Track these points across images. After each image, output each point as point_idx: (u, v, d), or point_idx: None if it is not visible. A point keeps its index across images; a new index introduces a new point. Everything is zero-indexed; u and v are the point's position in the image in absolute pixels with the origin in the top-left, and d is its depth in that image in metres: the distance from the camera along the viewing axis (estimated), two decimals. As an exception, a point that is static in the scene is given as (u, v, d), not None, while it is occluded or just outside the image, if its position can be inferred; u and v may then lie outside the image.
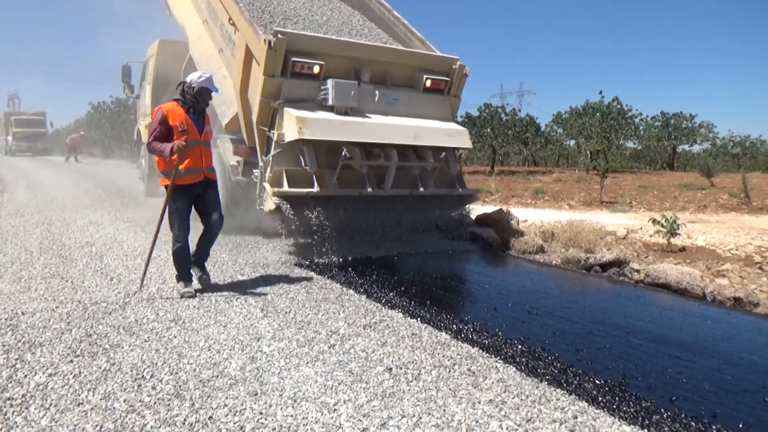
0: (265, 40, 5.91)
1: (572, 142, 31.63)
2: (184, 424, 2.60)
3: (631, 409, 2.92)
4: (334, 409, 2.78)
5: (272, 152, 6.04)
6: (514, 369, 3.39)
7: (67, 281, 4.97)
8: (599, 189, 13.80)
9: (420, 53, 7.27)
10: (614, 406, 2.95)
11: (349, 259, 6.15)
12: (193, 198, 4.69)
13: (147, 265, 4.73)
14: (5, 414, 2.63)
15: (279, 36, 5.93)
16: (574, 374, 3.35)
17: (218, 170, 5.75)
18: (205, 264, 4.97)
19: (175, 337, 3.69)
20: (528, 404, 2.92)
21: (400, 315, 4.36)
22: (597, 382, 3.25)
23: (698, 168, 19.26)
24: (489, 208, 8.57)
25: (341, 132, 6.06)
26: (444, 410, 2.81)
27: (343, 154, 5.98)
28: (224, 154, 7.21)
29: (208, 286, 4.79)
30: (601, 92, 29.51)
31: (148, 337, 3.66)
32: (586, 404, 2.96)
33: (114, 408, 2.72)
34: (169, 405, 2.77)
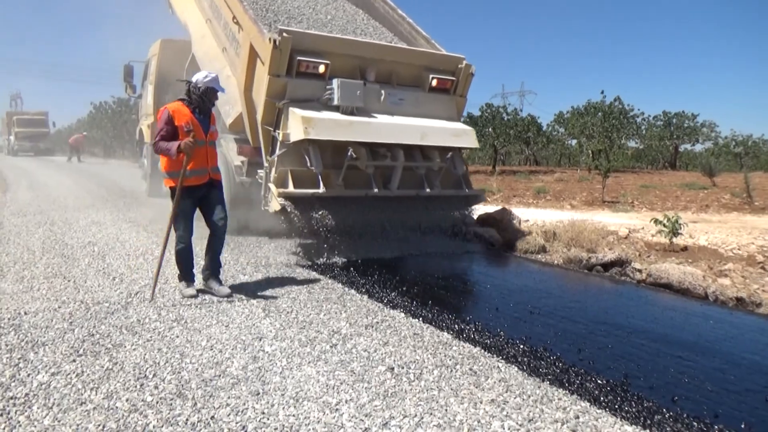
0: (270, 39, 5.87)
1: (574, 142, 31.62)
2: (186, 423, 2.61)
3: (633, 409, 2.92)
4: (336, 409, 2.78)
5: (277, 152, 5.99)
6: (516, 369, 3.39)
7: (69, 281, 4.98)
8: (601, 189, 13.80)
9: (426, 52, 7.22)
10: (616, 406, 2.95)
11: (355, 260, 6.11)
12: (197, 199, 4.63)
13: (157, 275, 4.54)
14: (8, 413, 2.64)
15: (284, 35, 5.88)
16: (576, 374, 3.35)
17: (222, 170, 5.73)
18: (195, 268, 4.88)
19: (178, 336, 3.69)
20: (530, 404, 2.92)
21: (402, 315, 4.36)
22: (599, 381, 3.25)
23: (700, 168, 19.25)
24: (491, 208, 8.57)
25: (347, 132, 6.00)
26: (446, 410, 2.81)
27: (349, 154, 5.93)
28: (228, 154, 7.18)
29: (229, 296, 4.58)
30: (602, 92, 29.61)
31: (151, 337, 3.67)
32: (588, 404, 2.96)
33: (116, 407, 2.73)
34: (171, 404, 2.78)
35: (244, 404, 2.80)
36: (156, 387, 2.96)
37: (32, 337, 3.60)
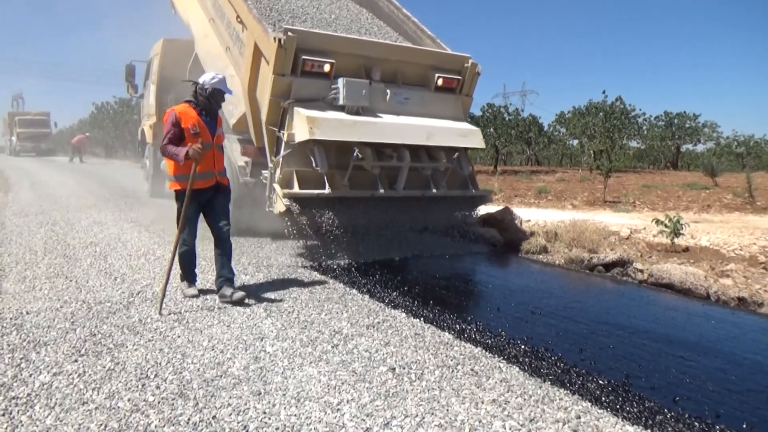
0: (275, 38, 5.81)
1: (575, 142, 31.60)
2: (188, 423, 2.61)
3: (635, 409, 2.92)
4: (338, 409, 2.78)
5: (282, 153, 5.95)
6: (517, 369, 3.39)
7: (71, 281, 4.99)
8: (602, 189, 13.79)
9: (431, 51, 7.18)
10: (618, 406, 2.95)
11: (359, 261, 6.08)
12: (202, 203, 4.57)
13: (165, 287, 4.39)
14: (11, 413, 2.65)
15: (289, 34, 5.83)
16: (578, 374, 3.35)
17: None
18: (198, 269, 4.85)
19: (179, 336, 3.70)
20: (531, 404, 2.92)
21: (403, 315, 4.36)
22: (600, 382, 3.25)
23: (702, 168, 19.22)
24: (492, 208, 8.56)
25: (353, 132, 5.96)
26: (447, 410, 2.81)
27: (354, 154, 5.88)
28: (232, 155, 7.12)
29: (244, 298, 4.46)
30: (604, 92, 29.59)
31: (152, 337, 3.67)
32: (590, 404, 2.96)
33: (118, 407, 2.73)
34: (173, 404, 2.78)
35: (246, 404, 2.80)
36: (158, 387, 2.96)
37: (34, 336, 3.61)
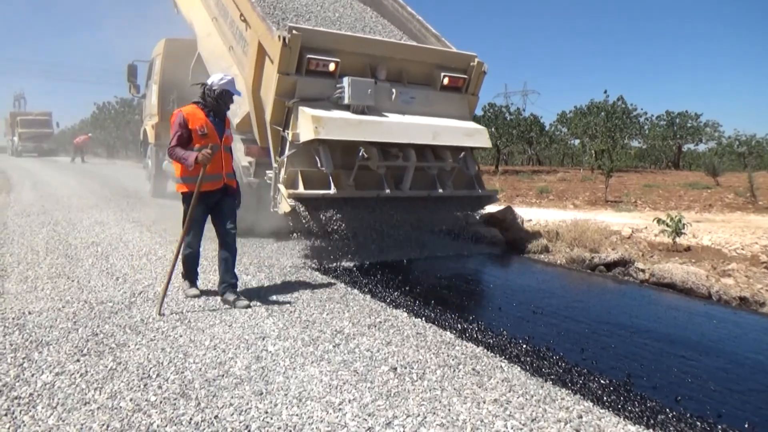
0: (279, 36, 5.76)
1: (577, 142, 31.58)
2: (190, 423, 2.62)
3: (636, 409, 2.92)
4: (339, 409, 2.79)
5: (287, 153, 5.89)
6: (518, 368, 3.39)
7: (73, 281, 4.99)
8: (604, 188, 13.78)
9: (437, 50, 7.13)
10: (619, 406, 2.95)
11: (365, 263, 6.04)
12: (210, 206, 4.50)
13: (166, 288, 4.34)
14: (13, 413, 2.65)
15: (294, 32, 5.77)
16: (579, 374, 3.35)
17: None
18: (199, 268, 4.82)
19: (181, 336, 3.70)
20: (533, 404, 2.92)
21: (405, 314, 4.37)
22: (602, 381, 3.25)
23: (704, 167, 19.20)
24: (494, 208, 8.55)
25: (358, 131, 5.90)
26: (449, 410, 2.81)
27: (360, 154, 5.82)
28: (235, 155, 7.08)
29: (247, 307, 4.35)
30: (605, 91, 29.55)
31: (154, 337, 3.68)
32: (591, 404, 2.96)
33: (120, 407, 2.74)
34: (175, 404, 2.78)
35: (248, 404, 2.80)
36: (160, 387, 2.97)
37: (36, 336, 3.61)
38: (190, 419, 2.64)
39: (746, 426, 2.83)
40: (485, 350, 3.67)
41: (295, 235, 6.17)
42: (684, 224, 7.12)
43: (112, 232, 7.55)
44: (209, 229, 4.74)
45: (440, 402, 2.89)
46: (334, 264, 5.94)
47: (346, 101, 5.99)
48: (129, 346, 3.50)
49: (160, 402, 2.80)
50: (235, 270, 4.63)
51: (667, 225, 7.12)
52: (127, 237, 7.18)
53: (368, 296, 4.84)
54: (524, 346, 3.77)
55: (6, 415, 2.63)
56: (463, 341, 3.82)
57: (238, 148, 7.01)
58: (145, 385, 2.98)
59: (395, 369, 3.29)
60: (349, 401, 2.86)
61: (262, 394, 2.92)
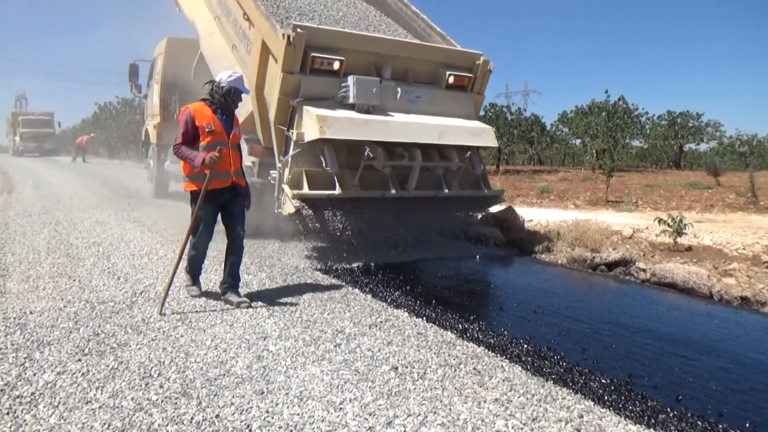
0: (283, 35, 5.70)
1: (578, 142, 31.56)
2: (191, 422, 2.62)
3: (637, 409, 2.92)
4: (340, 408, 2.79)
5: (291, 152, 5.83)
6: (519, 368, 3.39)
7: (74, 280, 5.00)
8: (605, 188, 13.77)
9: (443, 48, 7.06)
10: (620, 406, 2.95)
11: (367, 264, 6.01)
12: (219, 205, 4.42)
13: (168, 288, 4.29)
14: (15, 412, 2.65)
15: (298, 30, 5.70)
16: (580, 373, 3.35)
17: None
18: (203, 268, 4.77)
19: (182, 336, 3.71)
20: (534, 403, 2.92)
21: (406, 314, 4.37)
22: (603, 381, 3.25)
23: (705, 167, 19.18)
24: (494, 208, 8.54)
25: (363, 131, 5.83)
26: (450, 409, 2.81)
27: (365, 154, 5.75)
28: None
29: (249, 307, 4.34)
30: (606, 91, 29.49)
31: (155, 336, 3.68)
32: (592, 403, 2.96)
33: (122, 406, 2.74)
34: (176, 403, 2.79)
35: (249, 403, 2.81)
36: (161, 386, 2.97)
37: (38, 336, 3.62)
38: (192, 418, 2.65)
39: (747, 426, 2.83)
40: (486, 350, 3.67)
41: (300, 235, 6.10)
42: (685, 224, 7.11)
43: (113, 231, 7.56)
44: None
45: (441, 401, 2.89)
46: (338, 265, 5.92)
47: (351, 100, 5.92)
48: (130, 346, 3.50)
49: (162, 401, 2.81)
50: (239, 272, 4.63)
51: (669, 225, 7.11)
52: (128, 237, 7.19)
53: (369, 296, 4.85)
54: (525, 345, 3.77)
55: (8, 414, 2.63)
56: (464, 341, 3.82)
57: (241, 147, 6.98)
58: (146, 384, 2.99)
59: (396, 368, 3.29)
60: (350, 400, 2.87)
61: (263, 393, 2.92)
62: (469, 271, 6.39)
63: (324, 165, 5.75)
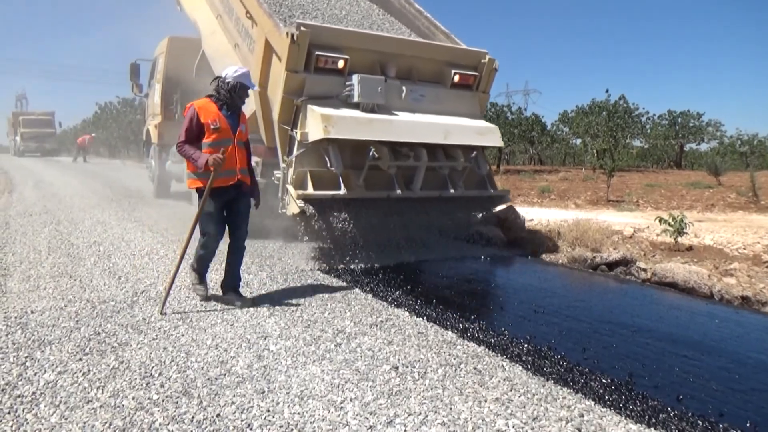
0: (287, 33, 5.63)
1: (578, 141, 31.55)
2: (192, 421, 2.62)
3: (638, 408, 2.92)
4: (341, 407, 2.79)
5: (295, 152, 5.77)
6: (520, 368, 3.39)
7: (75, 280, 5.00)
8: (606, 188, 13.76)
9: (448, 47, 7.00)
10: (621, 405, 2.95)
11: (370, 266, 5.96)
12: (225, 203, 4.35)
13: (170, 287, 4.28)
14: (16, 411, 2.66)
15: (302, 29, 5.62)
16: (581, 373, 3.35)
17: None
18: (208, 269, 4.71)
19: (183, 335, 3.71)
20: (534, 402, 2.92)
21: (406, 314, 4.37)
22: (603, 380, 3.25)
23: (706, 167, 19.19)
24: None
25: (369, 131, 5.74)
26: (450, 408, 2.81)
27: (371, 153, 5.68)
28: None
29: (250, 305, 4.37)
30: (607, 91, 29.46)
31: (156, 336, 3.69)
32: (593, 403, 2.96)
33: (123, 405, 2.75)
34: (177, 402, 2.79)
35: (250, 402, 2.81)
36: (162, 385, 2.97)
37: (39, 335, 3.62)
38: (192, 417, 2.65)
39: (748, 425, 2.83)
40: (487, 349, 3.67)
41: (303, 236, 6.04)
42: (686, 224, 7.11)
43: (114, 231, 7.57)
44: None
45: (442, 401, 2.89)
46: (339, 264, 5.90)
47: (355, 99, 5.85)
48: (131, 345, 3.51)
49: (162, 400, 2.81)
50: (240, 272, 4.62)
51: (669, 224, 7.11)
52: (128, 236, 7.19)
53: (370, 296, 4.85)
54: (526, 345, 3.77)
55: (9, 413, 2.64)
56: (465, 340, 3.82)
57: None
58: (147, 383, 2.99)
59: (397, 368, 3.29)
60: (351, 400, 2.87)
61: (263, 392, 2.92)
62: (469, 271, 6.39)
63: (328, 165, 5.68)
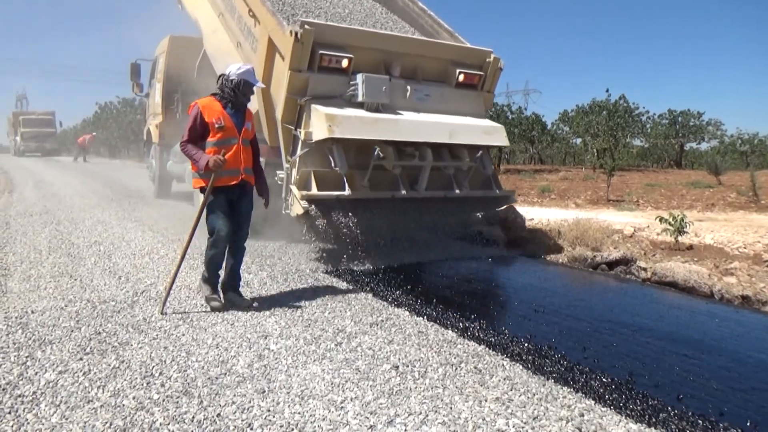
0: (291, 31, 5.59)
1: (579, 141, 31.53)
2: (192, 421, 2.62)
3: (638, 407, 2.92)
4: (341, 407, 2.79)
5: (299, 152, 5.73)
6: (520, 367, 3.40)
7: (75, 280, 5.01)
8: (606, 187, 13.76)
9: (453, 45, 6.95)
10: (621, 404, 2.95)
11: (373, 265, 5.93)
12: (229, 201, 4.28)
13: (170, 287, 4.28)
14: (16, 411, 2.66)
15: (306, 27, 5.59)
16: (581, 372, 3.35)
17: None
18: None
19: (183, 335, 3.71)
20: (534, 402, 2.92)
21: (407, 313, 4.37)
22: (604, 380, 3.25)
23: (706, 166, 19.19)
24: (495, 207, 8.54)
25: (373, 130, 5.70)
26: (451, 408, 2.82)
27: (376, 153, 5.61)
28: None
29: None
30: (607, 90, 29.45)
31: (157, 335, 3.69)
32: (593, 402, 2.96)
33: (123, 405, 2.75)
34: (177, 402, 2.79)
35: (250, 402, 2.81)
36: (162, 385, 2.98)
37: (39, 335, 3.62)
38: (193, 417, 2.65)
39: (748, 424, 2.83)
40: (487, 349, 3.67)
41: (307, 237, 6.01)
42: (686, 223, 7.11)
43: (114, 231, 7.57)
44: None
45: (442, 400, 2.89)
46: (339, 264, 5.89)
47: (359, 99, 5.79)
48: (132, 345, 3.51)
49: (163, 400, 2.81)
50: (241, 272, 4.61)
51: (670, 224, 7.11)
52: (129, 236, 7.19)
53: (370, 295, 4.85)
54: (526, 344, 3.77)
55: (10, 413, 2.64)
56: (465, 340, 3.82)
57: None
58: (147, 383, 2.99)
59: (397, 367, 3.29)
60: (351, 399, 2.87)
61: (264, 392, 2.93)
62: (469, 270, 6.39)
63: (333, 165, 5.63)
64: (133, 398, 2.82)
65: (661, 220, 7.27)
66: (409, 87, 6.28)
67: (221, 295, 4.41)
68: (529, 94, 54.92)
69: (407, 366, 3.32)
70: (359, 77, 5.80)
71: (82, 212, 9.30)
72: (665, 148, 33.25)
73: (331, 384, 3.04)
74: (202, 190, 4.29)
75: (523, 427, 2.66)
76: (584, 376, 3.29)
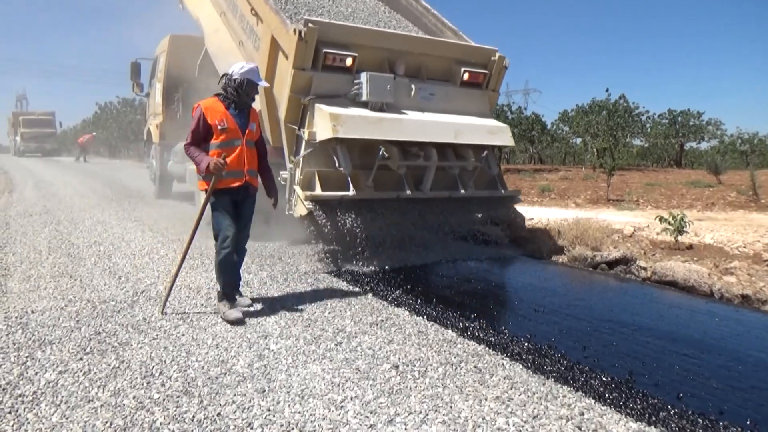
0: (294, 30, 5.52)
1: (579, 140, 31.53)
2: (192, 420, 2.63)
3: (638, 406, 2.92)
4: (342, 406, 2.79)
5: (302, 152, 5.63)
6: (520, 366, 3.40)
7: (75, 280, 5.01)
8: (606, 187, 13.76)
9: (457, 44, 6.89)
10: (621, 403, 2.95)
11: (377, 266, 5.90)
12: (233, 202, 4.20)
13: (171, 288, 4.26)
14: (17, 411, 2.66)
15: (310, 25, 5.50)
16: (581, 371, 3.35)
17: None
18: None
19: (183, 334, 3.72)
20: (534, 401, 2.92)
21: (407, 313, 4.37)
22: (604, 379, 3.26)
23: (706, 165, 19.17)
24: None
25: (378, 130, 5.62)
26: (451, 407, 2.82)
27: (380, 153, 5.55)
28: None
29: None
30: (607, 90, 29.42)
31: (157, 335, 3.69)
32: (593, 401, 2.97)
33: (123, 405, 2.75)
34: (177, 402, 2.80)
35: (250, 401, 2.81)
36: (162, 385, 2.98)
37: (39, 335, 3.63)
38: (193, 416, 2.66)
39: (748, 423, 2.83)
40: (487, 348, 3.67)
41: (313, 238, 5.96)
42: (686, 222, 7.11)
43: (114, 231, 7.57)
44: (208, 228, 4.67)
45: (442, 399, 2.90)
46: (339, 264, 5.88)
47: (364, 98, 5.72)
48: (132, 345, 3.51)
49: (163, 399, 2.81)
50: (240, 272, 4.60)
51: (669, 223, 7.11)
52: (129, 236, 7.20)
53: (370, 295, 4.85)
54: (526, 343, 3.78)
55: (10, 413, 2.64)
56: (465, 339, 3.83)
57: None
58: (148, 383, 2.99)
59: (397, 367, 3.29)
60: (351, 399, 2.87)
61: (264, 391, 2.93)
62: (469, 270, 6.39)
63: (337, 165, 5.57)
64: (134, 398, 2.82)
65: (660, 220, 7.27)
66: (413, 86, 6.22)
67: (241, 302, 4.32)
68: (529, 94, 54.92)
69: (407, 365, 3.32)
70: (363, 76, 5.74)
71: (82, 212, 9.30)
72: (665, 147, 33.24)
73: (331, 383, 3.04)
74: (206, 192, 4.25)
75: (523, 426, 2.66)
76: (584, 375, 3.29)
